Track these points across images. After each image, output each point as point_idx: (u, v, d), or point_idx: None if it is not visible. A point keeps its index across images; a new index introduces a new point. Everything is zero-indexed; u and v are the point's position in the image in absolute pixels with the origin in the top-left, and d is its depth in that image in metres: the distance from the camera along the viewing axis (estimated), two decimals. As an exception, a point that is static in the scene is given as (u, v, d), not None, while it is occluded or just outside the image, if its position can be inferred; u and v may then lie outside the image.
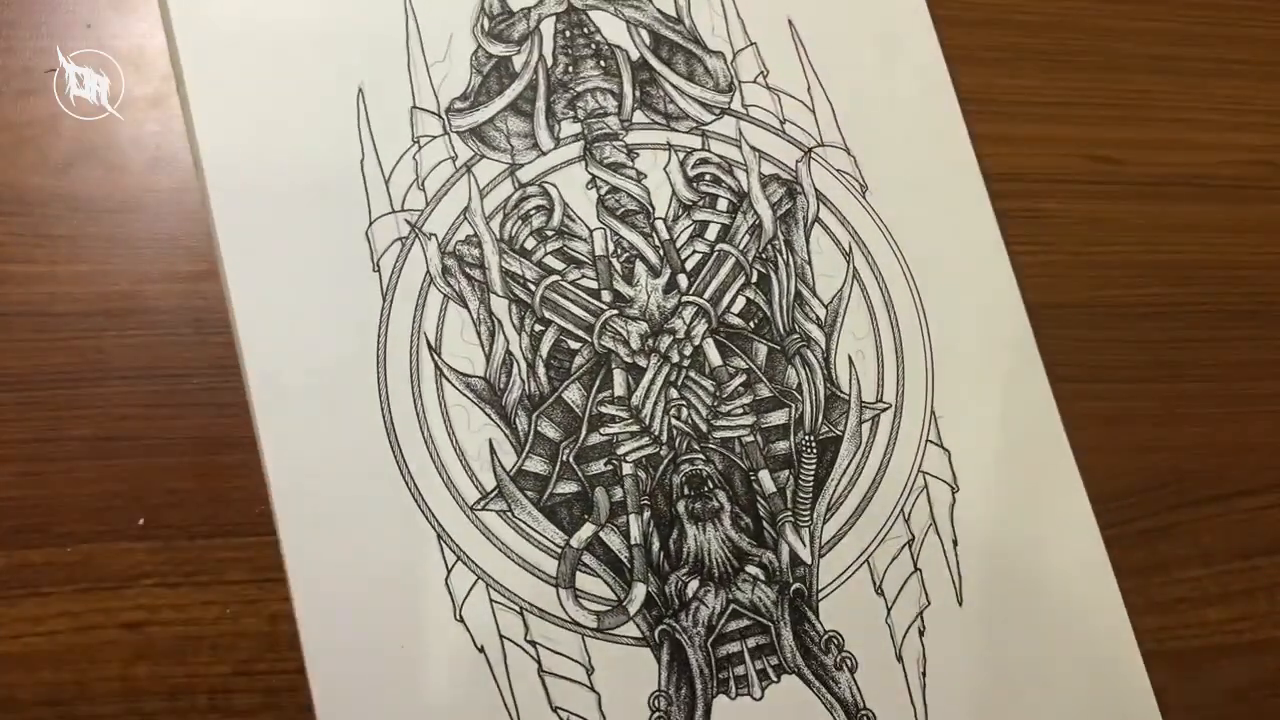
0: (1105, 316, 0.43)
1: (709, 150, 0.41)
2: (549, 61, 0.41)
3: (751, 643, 0.37)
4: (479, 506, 0.36)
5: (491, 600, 0.36)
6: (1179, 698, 0.39)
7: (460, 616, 0.35)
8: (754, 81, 0.42)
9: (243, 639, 0.35)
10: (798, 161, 0.42)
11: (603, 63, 0.41)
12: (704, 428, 0.39)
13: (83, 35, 0.39)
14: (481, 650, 0.35)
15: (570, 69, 0.41)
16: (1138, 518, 0.41)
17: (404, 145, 0.39)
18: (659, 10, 0.42)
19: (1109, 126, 0.46)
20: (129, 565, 0.35)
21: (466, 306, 0.38)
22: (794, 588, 0.38)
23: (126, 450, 0.36)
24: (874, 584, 0.38)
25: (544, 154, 0.40)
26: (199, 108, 0.37)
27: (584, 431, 0.38)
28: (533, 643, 0.36)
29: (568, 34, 0.41)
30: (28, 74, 0.38)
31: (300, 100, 0.38)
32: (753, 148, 0.42)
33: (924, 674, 0.38)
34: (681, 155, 0.41)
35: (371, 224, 0.38)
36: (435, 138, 0.39)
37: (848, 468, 0.39)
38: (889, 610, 0.38)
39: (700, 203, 0.41)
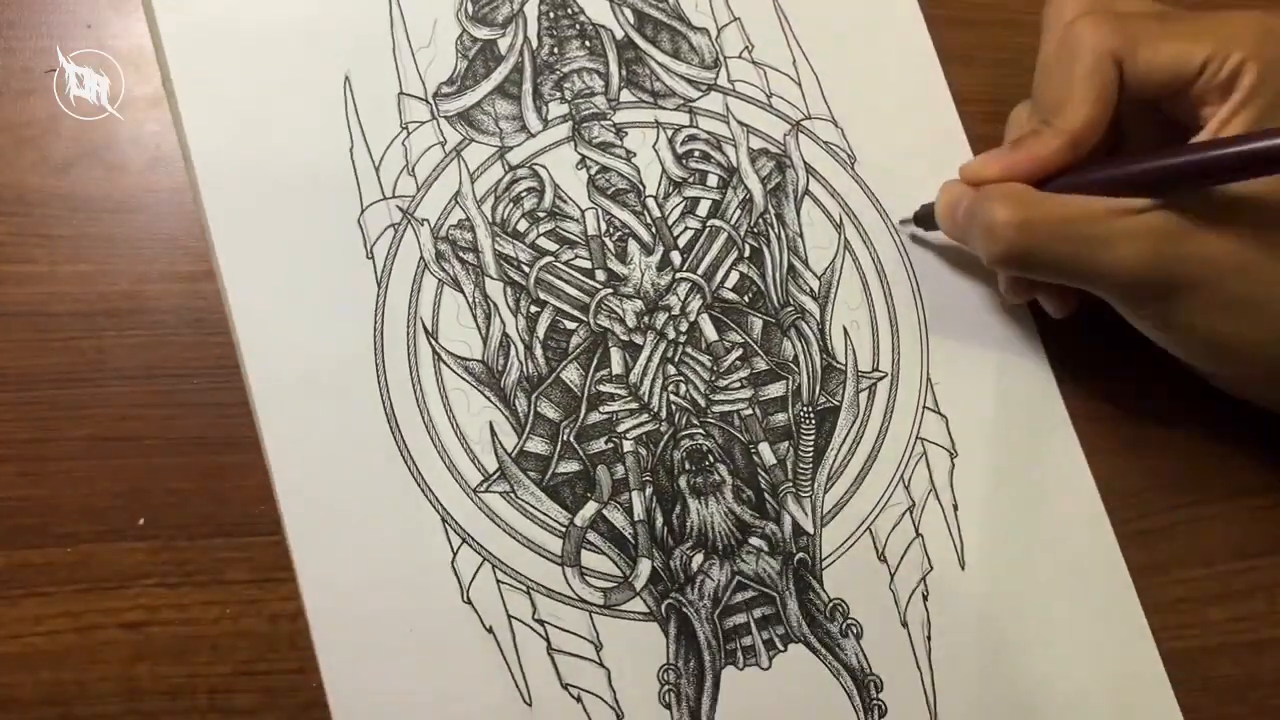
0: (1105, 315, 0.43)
1: (697, 127, 0.41)
2: (534, 43, 0.41)
3: (757, 613, 0.38)
4: (482, 488, 0.37)
5: (498, 581, 0.36)
6: (1179, 697, 0.40)
7: (467, 598, 0.36)
8: (739, 57, 0.42)
9: (243, 639, 0.35)
10: (785, 135, 0.42)
11: (588, 43, 0.41)
12: (702, 402, 0.39)
13: (83, 35, 0.38)
14: (490, 631, 0.36)
15: (555, 50, 0.41)
16: (1138, 518, 0.41)
17: (393, 132, 0.39)
18: (642, -12, 0.42)
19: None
20: (129, 565, 0.35)
21: (461, 290, 0.38)
22: (797, 558, 0.38)
23: (126, 450, 0.36)
24: (876, 551, 0.39)
25: (533, 136, 0.40)
26: (186, 104, 0.37)
27: (583, 410, 0.38)
28: (541, 621, 0.36)
29: (552, 15, 0.41)
30: (28, 74, 0.38)
31: (287, 91, 0.38)
32: (740, 123, 0.42)
33: (929, 638, 0.38)
34: (670, 132, 0.41)
35: (363, 212, 0.38)
36: (423, 123, 0.39)
37: (846, 437, 0.40)
38: (892, 576, 0.39)
39: (690, 179, 0.41)
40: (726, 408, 0.39)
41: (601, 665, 0.36)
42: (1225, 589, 0.41)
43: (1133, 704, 0.39)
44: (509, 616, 0.36)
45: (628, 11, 0.42)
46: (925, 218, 0.40)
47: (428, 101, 0.39)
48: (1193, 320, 0.36)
